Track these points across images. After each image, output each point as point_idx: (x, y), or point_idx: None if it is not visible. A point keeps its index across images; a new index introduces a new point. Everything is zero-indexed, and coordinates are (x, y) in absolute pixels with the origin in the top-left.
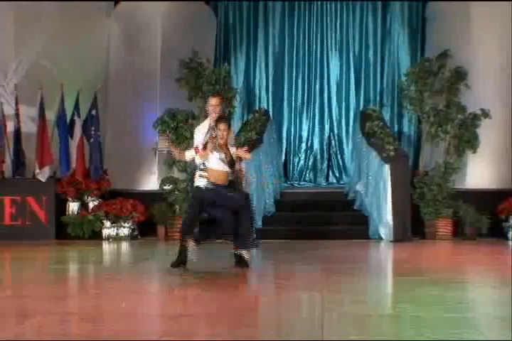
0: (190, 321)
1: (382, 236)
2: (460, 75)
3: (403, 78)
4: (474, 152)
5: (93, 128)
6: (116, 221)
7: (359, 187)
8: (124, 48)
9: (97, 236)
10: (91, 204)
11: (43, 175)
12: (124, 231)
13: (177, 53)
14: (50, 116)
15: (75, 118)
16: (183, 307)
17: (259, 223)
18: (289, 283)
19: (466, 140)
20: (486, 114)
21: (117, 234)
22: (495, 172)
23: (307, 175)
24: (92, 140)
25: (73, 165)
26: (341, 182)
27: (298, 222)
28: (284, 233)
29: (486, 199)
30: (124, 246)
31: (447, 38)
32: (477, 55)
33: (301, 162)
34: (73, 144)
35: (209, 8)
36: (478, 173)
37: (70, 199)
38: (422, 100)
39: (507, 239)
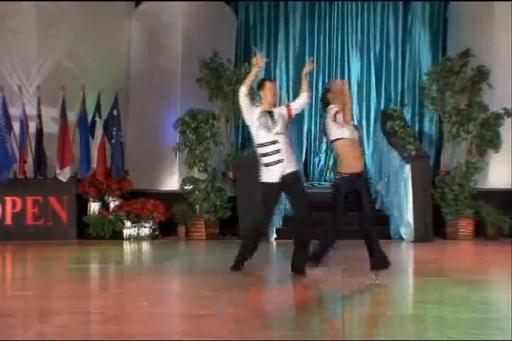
0: (211, 321)
1: (404, 236)
2: (482, 74)
3: (424, 77)
4: (496, 151)
5: (115, 129)
6: (137, 221)
7: (380, 187)
8: (145, 48)
9: (118, 236)
10: (112, 205)
11: (64, 175)
12: (145, 231)
13: (198, 53)
14: (72, 116)
15: (96, 118)
16: (205, 307)
17: (279, 223)
18: (310, 283)
19: (488, 139)
20: (508, 113)
21: (138, 234)
22: None
23: (327, 175)
24: (113, 140)
25: (94, 165)
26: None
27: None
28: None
29: (508, 199)
30: (145, 246)
31: (469, 37)
32: (499, 54)
33: (322, 162)
34: (94, 144)
35: (230, 9)
36: (501, 173)
37: (91, 199)
38: (444, 99)
39: None
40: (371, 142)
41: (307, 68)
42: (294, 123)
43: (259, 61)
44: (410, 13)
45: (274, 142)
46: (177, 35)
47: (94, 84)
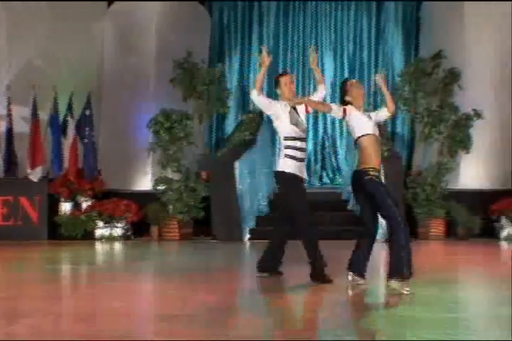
0: (184, 321)
1: (377, 236)
2: (454, 76)
3: (397, 78)
4: (467, 152)
5: (87, 129)
6: (109, 221)
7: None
8: (119, 48)
9: (90, 236)
10: (84, 205)
11: (35, 175)
12: (118, 231)
13: (171, 53)
14: (43, 116)
15: (68, 118)
16: (178, 307)
17: (252, 223)
18: (287, 283)
19: (459, 140)
20: (478, 114)
21: (110, 234)
22: (487, 173)
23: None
24: (85, 140)
25: (66, 165)
26: (335, 183)
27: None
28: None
29: (478, 200)
30: (118, 246)
31: (441, 38)
32: (471, 56)
33: None
34: (66, 144)
35: (204, 9)
36: (471, 173)
37: (62, 199)
38: (416, 100)
39: (499, 239)
40: (344, 142)
41: (312, 58)
42: (268, 122)
43: (265, 60)
44: (383, 14)
45: (302, 139)
46: (150, 35)
47: (66, 84)
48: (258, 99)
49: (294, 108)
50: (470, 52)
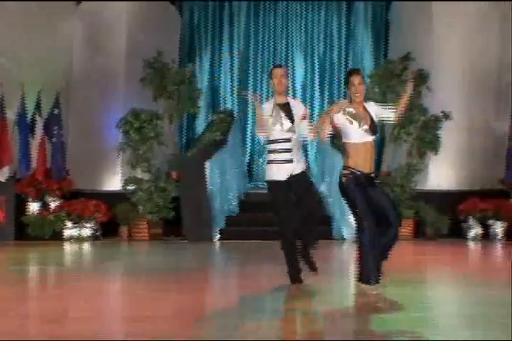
0: (154, 322)
1: (345, 236)
2: (422, 78)
3: (367, 80)
4: (436, 153)
5: (55, 128)
6: (78, 221)
7: (323, 188)
8: (88, 48)
9: (58, 236)
10: (52, 205)
11: (2, 175)
12: (87, 231)
13: (142, 53)
14: (10, 115)
15: (37, 117)
16: (148, 308)
17: (222, 223)
18: (252, 283)
19: (428, 141)
20: (447, 116)
21: (79, 234)
22: (456, 174)
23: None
24: (54, 139)
25: (34, 165)
26: None
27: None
28: (248, 233)
29: (446, 200)
30: (87, 246)
31: (410, 39)
32: (439, 57)
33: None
34: (34, 144)
35: (174, 8)
36: (440, 174)
37: (30, 199)
38: (385, 102)
39: (466, 239)
40: (314, 143)
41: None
42: (239, 123)
43: (256, 101)
44: (353, 14)
45: (287, 140)
46: (120, 34)
47: (34, 83)
48: (262, 131)
49: (285, 105)
50: (438, 54)
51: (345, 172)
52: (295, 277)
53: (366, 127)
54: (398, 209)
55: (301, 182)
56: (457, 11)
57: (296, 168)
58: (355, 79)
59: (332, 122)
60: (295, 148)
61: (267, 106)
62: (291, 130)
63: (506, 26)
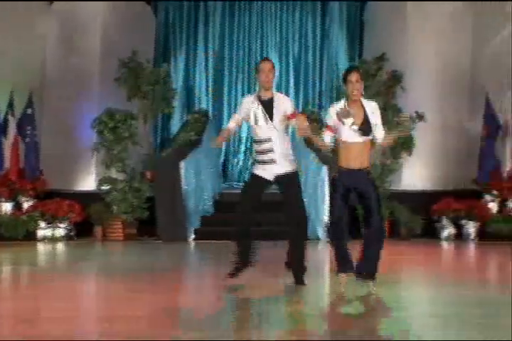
0: (129, 322)
1: (320, 236)
2: (396, 78)
3: (341, 80)
4: (409, 154)
5: (29, 128)
6: (52, 221)
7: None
8: (62, 47)
9: (31, 237)
10: (25, 205)
11: None
12: (60, 231)
13: (116, 53)
14: None
15: (9, 117)
16: (122, 308)
17: (197, 223)
18: (228, 283)
19: (402, 142)
20: (420, 116)
21: (53, 234)
22: (429, 174)
23: (246, 175)
24: (27, 139)
25: (7, 164)
26: None
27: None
28: (222, 233)
29: (420, 200)
30: (60, 247)
31: (384, 40)
32: (413, 58)
33: (240, 163)
34: (7, 144)
35: (149, 8)
36: (414, 175)
37: (3, 199)
38: None
39: (440, 239)
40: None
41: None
42: (213, 123)
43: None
44: (328, 15)
45: (267, 140)
46: (95, 34)
47: (7, 83)
48: (234, 126)
49: (268, 101)
50: (412, 54)
51: (337, 170)
52: (236, 269)
53: (356, 127)
54: (382, 212)
55: (285, 185)
56: (431, 11)
57: (281, 168)
58: (353, 77)
59: (328, 127)
60: (279, 147)
61: (247, 100)
62: (270, 128)
63: (479, 26)
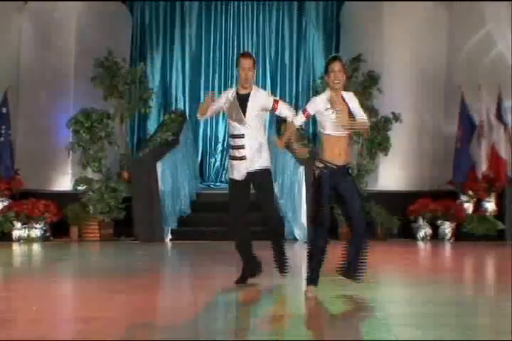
0: (104, 323)
1: (297, 237)
2: (373, 79)
3: (318, 81)
4: (386, 154)
5: (3, 127)
6: (27, 222)
7: (274, 188)
8: (37, 46)
9: (6, 237)
10: (0, 205)
11: None
12: (36, 232)
13: (92, 52)
14: None
15: None
16: (97, 309)
17: (174, 224)
18: (206, 283)
19: (378, 143)
20: (396, 117)
21: (28, 235)
22: (405, 175)
23: (223, 176)
24: (2, 139)
25: None
26: None
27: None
28: (200, 234)
29: (397, 201)
30: (36, 247)
31: (361, 40)
32: (389, 59)
33: (217, 163)
34: None
35: (125, 8)
36: (390, 175)
37: None
38: None
39: (416, 239)
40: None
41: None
42: (190, 124)
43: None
44: (304, 16)
45: (240, 136)
46: (70, 33)
47: None
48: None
49: (245, 96)
50: (388, 55)
51: (320, 165)
52: (242, 278)
53: (343, 126)
54: (363, 212)
55: (257, 184)
56: (407, 12)
57: (251, 165)
58: (336, 66)
59: (306, 112)
60: (251, 144)
61: (224, 94)
62: (243, 124)
63: (455, 27)
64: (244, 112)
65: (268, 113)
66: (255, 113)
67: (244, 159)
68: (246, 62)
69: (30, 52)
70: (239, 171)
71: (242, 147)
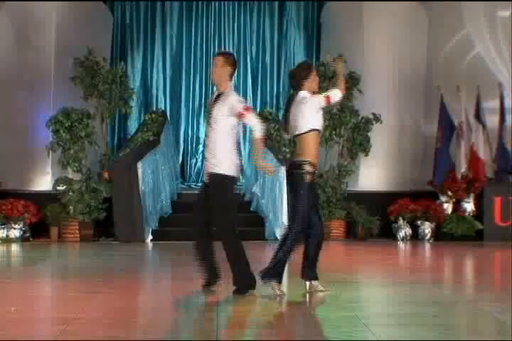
0: (85, 323)
1: (278, 237)
2: (353, 80)
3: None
4: (366, 155)
5: None
6: (6, 222)
7: (255, 188)
8: (15, 45)
9: None
10: None
11: None
12: (15, 232)
13: (72, 52)
14: None
15: None
16: (77, 310)
17: (154, 224)
18: (183, 284)
19: (359, 143)
20: (377, 118)
21: (7, 235)
22: (386, 175)
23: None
24: None
25: None
26: (238, 184)
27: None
28: (180, 234)
29: (377, 201)
30: (15, 248)
31: (342, 41)
32: (369, 60)
33: (199, 163)
34: None
35: (106, 7)
36: (370, 176)
37: None
38: None
39: (396, 239)
40: (247, 144)
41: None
42: (171, 124)
43: None
44: (285, 16)
45: (206, 135)
46: (50, 32)
47: None
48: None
49: (214, 98)
50: (369, 56)
51: (309, 169)
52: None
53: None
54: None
55: (210, 191)
56: (387, 13)
57: (209, 167)
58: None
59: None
60: (213, 145)
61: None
62: (209, 124)
63: (435, 28)
64: (211, 112)
65: (239, 123)
66: (221, 115)
67: (206, 160)
68: (214, 60)
69: (8, 51)
70: (205, 171)
71: (206, 146)
